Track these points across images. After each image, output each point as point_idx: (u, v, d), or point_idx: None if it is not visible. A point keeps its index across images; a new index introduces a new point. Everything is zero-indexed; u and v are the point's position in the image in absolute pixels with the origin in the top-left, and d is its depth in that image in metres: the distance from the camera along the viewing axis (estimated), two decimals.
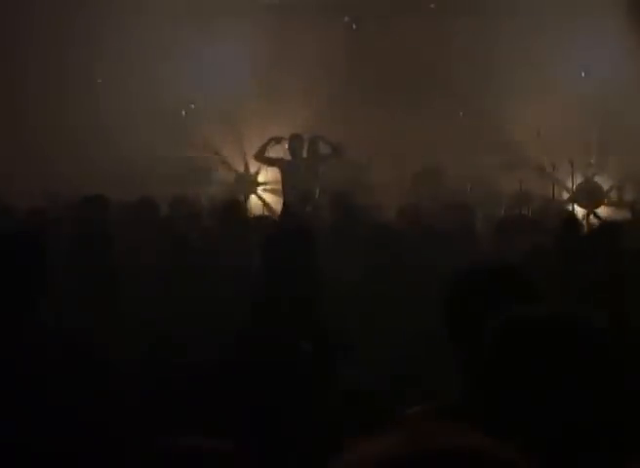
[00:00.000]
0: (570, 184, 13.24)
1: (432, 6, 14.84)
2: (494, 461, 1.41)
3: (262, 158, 14.50)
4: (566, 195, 13.04)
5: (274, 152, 14.39)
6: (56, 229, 6.83)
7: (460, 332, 2.78)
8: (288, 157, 14.12)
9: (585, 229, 7.71)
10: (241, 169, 15.27)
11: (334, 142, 13.89)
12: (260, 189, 15.13)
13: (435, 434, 1.45)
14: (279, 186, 14.24)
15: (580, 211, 12.38)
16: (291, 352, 3.66)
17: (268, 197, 14.89)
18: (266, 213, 13.17)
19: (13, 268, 4.15)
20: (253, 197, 15.03)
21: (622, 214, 9.92)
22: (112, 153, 14.00)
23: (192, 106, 14.89)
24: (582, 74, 14.46)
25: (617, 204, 10.15)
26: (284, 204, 10.76)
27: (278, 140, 14.25)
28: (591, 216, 11.66)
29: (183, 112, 14.85)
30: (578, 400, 1.92)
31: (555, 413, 1.91)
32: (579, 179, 13.31)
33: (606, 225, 6.94)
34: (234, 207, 8.64)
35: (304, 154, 14.06)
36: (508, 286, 2.94)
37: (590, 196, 11.41)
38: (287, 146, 14.15)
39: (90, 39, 14.45)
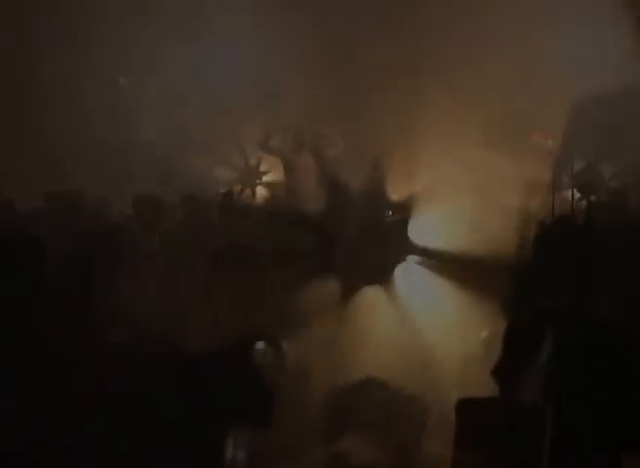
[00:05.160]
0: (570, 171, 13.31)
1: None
2: None
3: (267, 147, 14.53)
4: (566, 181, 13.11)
5: (276, 143, 14.40)
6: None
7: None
8: (289, 149, 14.18)
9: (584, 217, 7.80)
10: (241, 163, 15.26)
11: (331, 137, 13.91)
12: (264, 178, 15.12)
13: None
14: (281, 175, 14.26)
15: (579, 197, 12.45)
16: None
17: (272, 186, 14.86)
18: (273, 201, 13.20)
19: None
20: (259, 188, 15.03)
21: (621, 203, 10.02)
22: (112, 153, 14.03)
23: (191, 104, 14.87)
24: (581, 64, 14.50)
25: (616, 192, 10.28)
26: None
27: (281, 131, 14.28)
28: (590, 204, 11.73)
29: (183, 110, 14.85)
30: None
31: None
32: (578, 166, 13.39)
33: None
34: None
35: (305, 147, 14.11)
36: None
37: (590, 183, 11.49)
38: (290, 138, 14.21)
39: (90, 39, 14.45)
